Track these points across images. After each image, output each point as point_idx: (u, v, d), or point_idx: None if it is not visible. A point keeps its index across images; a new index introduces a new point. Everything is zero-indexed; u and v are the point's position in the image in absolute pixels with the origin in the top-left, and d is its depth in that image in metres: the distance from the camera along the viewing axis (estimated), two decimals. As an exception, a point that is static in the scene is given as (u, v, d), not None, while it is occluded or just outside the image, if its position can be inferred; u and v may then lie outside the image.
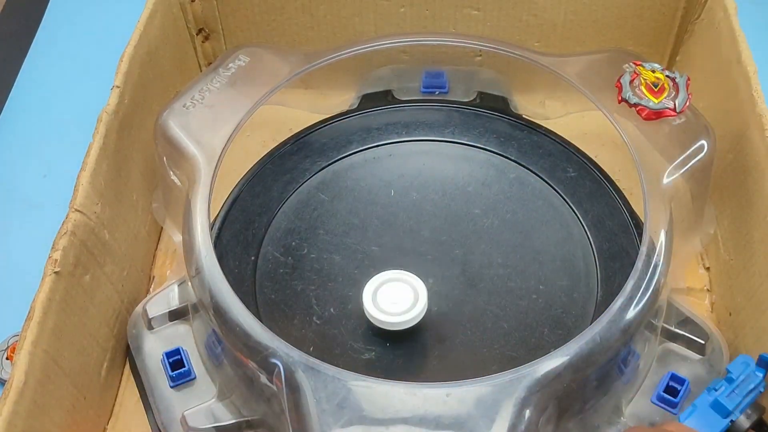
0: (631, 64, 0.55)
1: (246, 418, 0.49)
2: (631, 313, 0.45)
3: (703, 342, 0.51)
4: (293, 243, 0.54)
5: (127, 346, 0.54)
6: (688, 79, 0.53)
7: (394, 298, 0.49)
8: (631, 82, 0.54)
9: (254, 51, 0.58)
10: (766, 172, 0.51)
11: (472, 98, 0.64)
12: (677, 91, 0.53)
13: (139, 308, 0.54)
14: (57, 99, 0.72)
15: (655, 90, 0.53)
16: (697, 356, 0.51)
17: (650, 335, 0.50)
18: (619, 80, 0.54)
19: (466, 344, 0.50)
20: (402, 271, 0.50)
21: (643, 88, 0.53)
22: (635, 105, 0.53)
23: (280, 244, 0.54)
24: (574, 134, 0.61)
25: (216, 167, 0.52)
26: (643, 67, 0.54)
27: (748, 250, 0.53)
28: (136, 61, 0.56)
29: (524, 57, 0.59)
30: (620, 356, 0.47)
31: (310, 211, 0.56)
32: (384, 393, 0.42)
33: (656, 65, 0.55)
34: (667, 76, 0.53)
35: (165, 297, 0.54)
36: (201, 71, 0.69)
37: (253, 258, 0.54)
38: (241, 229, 0.55)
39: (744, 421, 0.46)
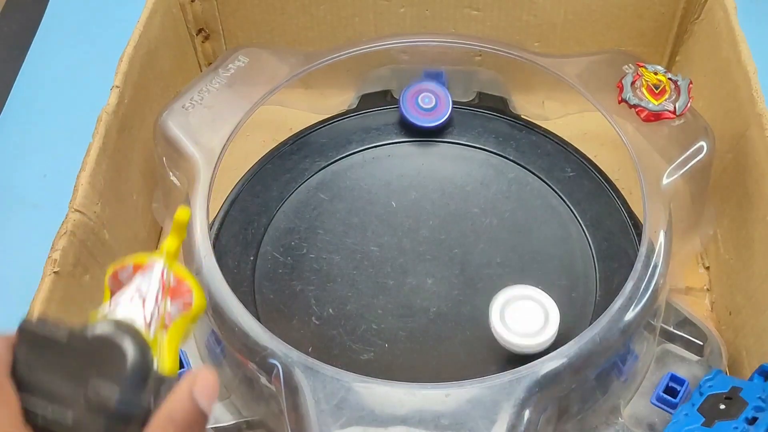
0: (633, 65, 0.55)
1: (246, 419, 0.49)
2: (630, 314, 0.45)
3: (701, 343, 0.51)
4: (292, 243, 0.54)
5: (127, 346, 0.54)
6: (690, 83, 0.53)
7: (523, 317, 0.47)
8: (633, 83, 0.54)
9: (254, 51, 0.58)
10: (766, 172, 0.51)
11: (471, 98, 0.64)
12: (678, 93, 0.53)
13: (138, 308, 0.54)
14: (57, 99, 0.72)
15: (656, 92, 0.53)
16: (696, 357, 0.51)
17: (649, 336, 0.50)
18: (620, 81, 0.54)
19: (465, 344, 0.50)
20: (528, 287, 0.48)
21: (644, 89, 0.53)
22: (635, 106, 0.53)
23: (279, 244, 0.54)
24: (573, 134, 0.60)
25: (215, 167, 0.52)
26: (646, 68, 0.54)
27: (748, 249, 0.53)
28: (136, 61, 0.56)
29: (524, 57, 0.59)
30: (619, 357, 0.47)
31: (310, 211, 0.56)
32: (383, 393, 0.42)
33: (659, 67, 0.55)
34: (669, 78, 0.54)
35: (165, 297, 0.54)
36: (201, 71, 0.69)
37: (252, 258, 0.54)
38: (240, 229, 0.55)
39: None
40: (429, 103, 0.58)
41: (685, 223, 0.53)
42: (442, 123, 0.59)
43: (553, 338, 0.46)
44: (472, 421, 0.41)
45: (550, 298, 0.48)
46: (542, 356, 0.44)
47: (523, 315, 0.47)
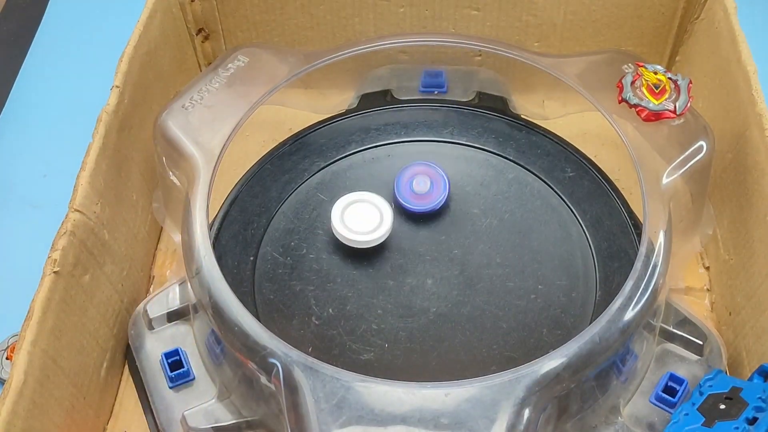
0: (632, 65, 0.55)
1: (246, 419, 0.49)
2: (630, 314, 0.45)
3: (701, 343, 0.51)
4: (292, 243, 0.54)
5: (127, 346, 0.55)
6: (690, 82, 0.53)
7: (361, 218, 0.52)
8: (633, 82, 0.54)
9: (253, 51, 0.58)
10: (766, 171, 0.51)
11: (471, 98, 0.64)
12: (678, 93, 0.53)
13: (139, 308, 0.54)
14: (57, 99, 0.72)
15: (656, 91, 0.53)
16: (695, 357, 0.51)
17: (649, 335, 0.50)
18: (620, 81, 0.54)
19: (464, 344, 0.50)
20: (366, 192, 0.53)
21: (644, 89, 0.53)
22: (635, 106, 0.53)
23: (279, 244, 0.54)
24: (573, 134, 0.61)
25: (215, 167, 0.52)
26: (646, 68, 0.54)
27: (748, 249, 0.53)
28: (136, 61, 0.56)
29: (524, 57, 0.59)
30: (619, 356, 0.47)
31: (309, 211, 0.56)
32: (383, 393, 0.42)
33: (659, 67, 0.55)
34: (669, 78, 0.54)
35: (165, 297, 0.54)
36: (200, 71, 0.69)
37: (252, 258, 0.54)
38: (240, 230, 0.55)
39: None
40: (423, 187, 0.55)
41: (684, 223, 0.53)
42: (435, 207, 0.55)
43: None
44: (471, 421, 0.41)
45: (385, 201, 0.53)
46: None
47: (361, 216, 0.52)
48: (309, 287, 0.52)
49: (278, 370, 0.44)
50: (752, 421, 0.44)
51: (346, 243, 0.52)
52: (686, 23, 0.64)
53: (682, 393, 0.49)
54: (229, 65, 0.57)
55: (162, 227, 0.61)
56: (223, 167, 0.52)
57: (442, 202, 0.55)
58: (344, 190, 0.57)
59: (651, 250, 0.47)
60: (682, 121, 0.53)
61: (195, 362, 0.52)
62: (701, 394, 0.47)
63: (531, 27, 0.65)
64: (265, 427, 0.49)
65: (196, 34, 0.67)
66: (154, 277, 0.59)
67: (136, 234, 0.57)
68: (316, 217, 0.56)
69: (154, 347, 0.53)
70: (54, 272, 0.46)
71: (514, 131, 0.60)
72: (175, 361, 0.52)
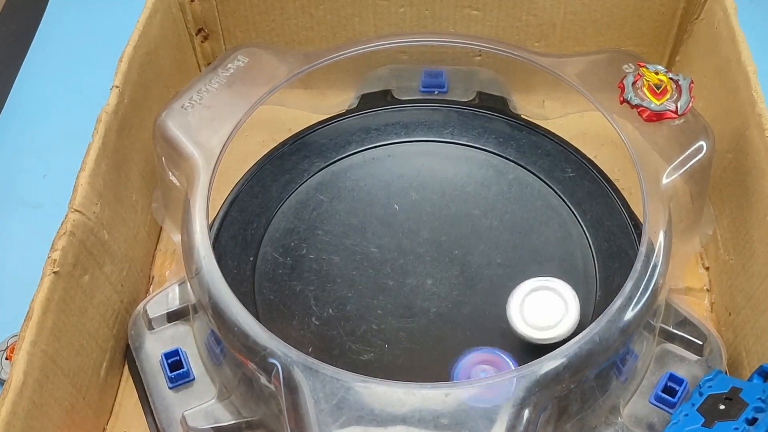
0: (633, 65, 0.55)
1: (246, 419, 0.49)
2: (629, 314, 0.45)
3: (701, 343, 0.51)
4: (292, 243, 0.54)
5: (127, 346, 0.55)
6: (691, 82, 0.53)
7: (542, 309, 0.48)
8: (634, 83, 0.54)
9: (253, 51, 0.58)
10: (766, 171, 0.51)
11: (471, 98, 0.64)
12: (680, 93, 0.53)
13: (139, 308, 0.54)
14: (57, 99, 0.72)
15: (658, 92, 0.53)
16: (695, 357, 0.51)
17: (648, 336, 0.50)
18: (621, 81, 0.54)
19: (465, 344, 0.50)
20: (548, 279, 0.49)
21: (645, 89, 0.53)
22: (637, 106, 0.53)
23: (279, 244, 0.54)
24: (573, 134, 0.61)
25: (215, 168, 0.52)
26: (647, 68, 0.54)
27: (748, 249, 0.53)
28: (136, 61, 0.56)
29: (524, 57, 0.59)
30: (619, 357, 0.47)
31: (309, 211, 0.56)
32: (383, 393, 0.42)
33: (660, 67, 0.55)
34: (670, 78, 0.54)
35: (165, 297, 0.54)
36: (200, 71, 0.69)
37: (251, 258, 0.54)
38: (240, 230, 0.55)
39: None
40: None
41: (684, 223, 0.53)
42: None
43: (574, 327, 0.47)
44: (471, 421, 0.41)
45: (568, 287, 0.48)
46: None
47: (542, 307, 0.48)
48: (309, 287, 0.52)
49: (278, 370, 0.44)
50: (752, 421, 0.44)
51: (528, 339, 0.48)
52: (686, 23, 0.64)
53: (682, 393, 0.49)
54: (229, 65, 0.57)
55: (162, 227, 0.61)
56: (223, 167, 0.52)
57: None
58: (344, 190, 0.57)
59: (651, 250, 0.47)
60: (682, 121, 0.53)
61: (195, 362, 0.52)
62: (701, 394, 0.47)
63: (531, 27, 0.65)
64: (265, 428, 0.49)
65: (196, 34, 0.67)
66: (153, 277, 0.59)
67: (135, 234, 0.57)
68: (316, 217, 0.56)
69: (153, 347, 0.53)
70: (54, 272, 0.46)
71: (515, 131, 0.60)
72: (174, 362, 0.52)
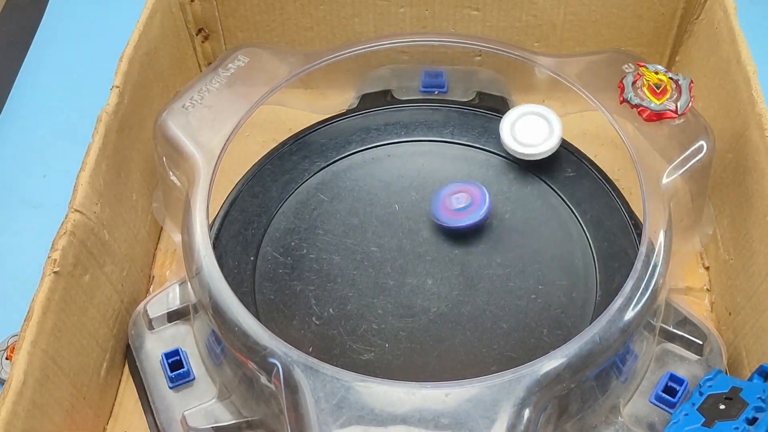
0: (633, 65, 0.55)
1: (246, 419, 0.49)
2: (630, 314, 0.45)
3: (701, 343, 0.51)
4: (292, 243, 0.54)
5: (127, 346, 0.55)
6: (691, 82, 0.53)
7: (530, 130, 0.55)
8: (634, 83, 0.54)
9: (253, 51, 0.58)
10: (766, 171, 0.51)
11: (471, 98, 0.64)
12: (680, 93, 0.53)
13: (139, 308, 0.55)
14: (57, 99, 0.72)
15: (658, 91, 0.53)
16: (695, 357, 0.51)
17: (648, 335, 0.50)
18: (621, 81, 0.54)
19: (465, 344, 0.50)
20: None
21: (645, 89, 0.53)
22: (637, 106, 0.53)
23: (279, 244, 0.54)
24: (573, 134, 0.60)
25: (215, 167, 0.52)
26: (646, 68, 0.54)
27: (748, 249, 0.53)
28: (136, 61, 0.56)
29: (524, 57, 0.59)
30: (619, 356, 0.47)
31: (310, 211, 0.56)
32: (383, 393, 0.42)
33: (660, 67, 0.55)
34: (670, 78, 0.54)
35: (166, 297, 0.54)
36: (200, 71, 0.69)
37: (252, 258, 0.54)
38: (240, 230, 0.55)
39: None
40: (462, 203, 0.54)
41: (684, 223, 0.53)
42: (477, 222, 0.53)
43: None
44: (471, 421, 0.41)
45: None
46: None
47: (530, 128, 0.55)
48: (309, 287, 0.52)
49: (278, 370, 0.44)
50: (752, 421, 0.44)
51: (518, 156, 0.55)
52: (686, 23, 0.64)
53: (682, 393, 0.49)
54: (229, 65, 0.57)
55: (162, 227, 0.61)
56: (223, 167, 0.52)
57: (483, 217, 0.53)
58: (344, 190, 0.57)
59: (651, 250, 0.47)
60: (682, 121, 0.53)
61: (195, 362, 0.52)
62: (701, 394, 0.47)
63: (531, 27, 0.65)
64: (266, 427, 0.49)
65: (196, 34, 0.67)
66: (154, 277, 0.59)
67: (136, 234, 0.57)
68: (317, 216, 0.56)
69: (154, 347, 0.53)
70: (54, 272, 0.46)
71: (515, 131, 0.60)
72: (175, 361, 0.52)
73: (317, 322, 0.51)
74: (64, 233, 0.47)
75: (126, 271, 0.55)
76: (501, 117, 0.61)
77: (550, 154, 0.55)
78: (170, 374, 0.51)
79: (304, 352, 0.44)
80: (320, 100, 0.67)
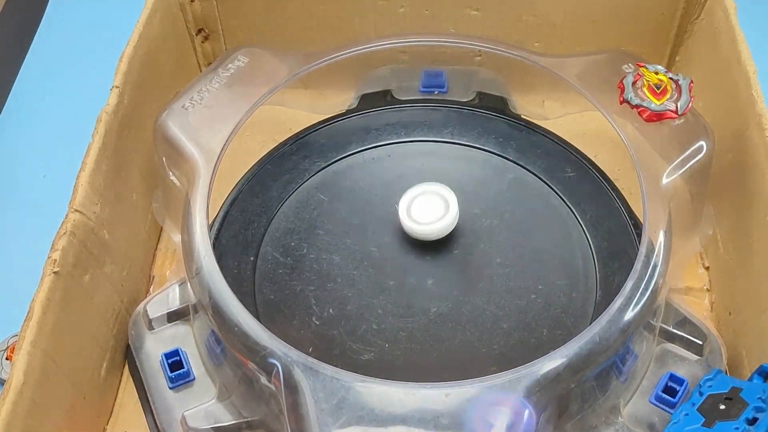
0: (633, 65, 0.55)
1: (246, 419, 0.49)
2: (630, 314, 0.45)
3: (701, 343, 0.51)
4: (292, 243, 0.54)
5: (127, 346, 0.55)
6: (691, 82, 0.53)
7: (426, 209, 0.52)
8: (634, 83, 0.54)
9: (253, 51, 0.58)
10: (766, 171, 0.51)
11: (471, 98, 0.64)
12: (680, 93, 0.53)
13: (139, 308, 0.54)
14: (57, 99, 0.72)
15: (658, 92, 0.53)
16: (695, 357, 0.51)
17: (648, 335, 0.50)
18: (621, 81, 0.54)
19: (465, 344, 0.50)
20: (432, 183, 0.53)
21: (645, 89, 0.53)
22: (637, 106, 0.53)
23: (279, 244, 0.54)
24: (573, 134, 0.60)
25: (215, 168, 0.52)
26: (646, 68, 0.54)
27: (748, 249, 0.53)
28: (136, 61, 0.56)
29: (524, 57, 0.59)
30: (619, 356, 0.47)
31: (310, 211, 0.56)
32: (383, 393, 0.42)
33: (660, 67, 0.55)
34: (670, 78, 0.54)
35: (166, 297, 0.54)
36: (200, 71, 0.69)
37: (252, 258, 0.54)
38: (240, 230, 0.55)
39: None
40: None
41: (684, 223, 0.52)
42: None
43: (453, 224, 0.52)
44: (471, 421, 0.41)
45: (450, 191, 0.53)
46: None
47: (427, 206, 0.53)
48: (309, 287, 0.52)
49: (278, 370, 0.44)
50: (752, 421, 0.44)
51: (414, 236, 0.52)
52: (686, 23, 0.64)
53: (683, 393, 0.49)
54: (229, 65, 0.57)
55: (162, 227, 0.61)
56: (223, 167, 0.52)
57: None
58: (344, 190, 0.57)
59: (651, 250, 0.47)
60: (682, 121, 0.53)
61: (195, 362, 0.52)
62: (701, 394, 0.47)
63: (531, 27, 0.65)
64: (266, 428, 0.49)
65: (196, 34, 0.67)
66: (154, 277, 0.59)
67: (136, 234, 0.57)
68: (317, 217, 0.56)
69: (154, 347, 0.53)
70: (54, 272, 0.46)
71: (514, 131, 0.60)
72: (175, 362, 0.52)
73: (317, 323, 0.51)
74: (64, 233, 0.47)
75: (126, 271, 0.55)
76: (501, 117, 0.61)
77: (446, 233, 0.52)
78: (170, 374, 0.51)
79: (304, 353, 0.44)
80: (320, 100, 0.67)
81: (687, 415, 0.46)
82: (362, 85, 0.65)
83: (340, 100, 0.66)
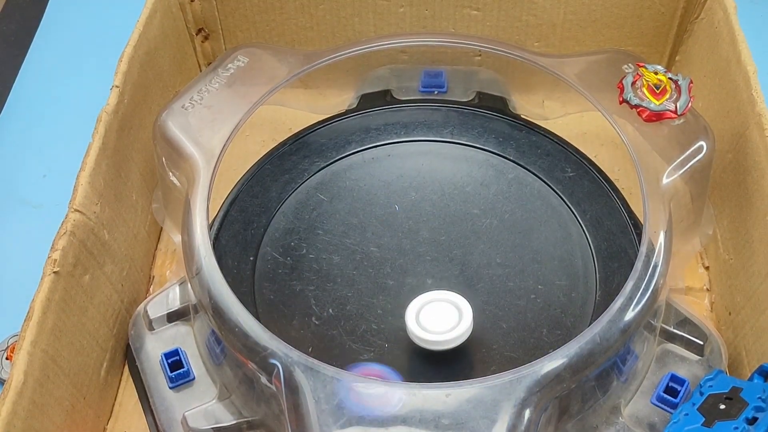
0: (632, 65, 0.55)
1: (246, 419, 0.49)
2: (630, 314, 0.45)
3: (701, 343, 0.51)
4: (292, 243, 0.54)
5: (127, 346, 0.55)
6: (691, 82, 0.53)
7: (438, 317, 0.47)
8: (633, 83, 0.54)
9: (253, 51, 0.58)
10: (766, 171, 0.51)
11: (470, 98, 0.64)
12: (679, 93, 0.53)
13: (140, 308, 0.54)
14: (57, 99, 0.72)
15: (657, 92, 0.53)
16: (696, 357, 0.51)
17: (649, 336, 0.50)
18: (621, 81, 0.54)
19: (465, 344, 0.50)
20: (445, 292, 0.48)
21: (644, 89, 0.53)
22: (636, 106, 0.53)
23: (279, 244, 0.54)
24: (573, 134, 0.61)
25: (215, 168, 0.52)
26: (646, 68, 0.54)
27: (748, 249, 0.53)
28: (136, 61, 0.56)
29: (524, 57, 0.59)
30: (619, 357, 0.47)
31: (309, 211, 0.56)
32: (383, 393, 0.42)
33: (659, 67, 0.55)
34: (669, 78, 0.54)
35: (166, 297, 0.54)
36: (200, 71, 0.69)
37: (252, 258, 0.54)
38: (240, 230, 0.55)
39: None
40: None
41: (684, 223, 0.53)
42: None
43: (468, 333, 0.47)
44: (472, 421, 0.41)
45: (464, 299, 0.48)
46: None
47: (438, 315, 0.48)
48: (309, 287, 0.52)
49: (279, 370, 0.44)
50: (752, 421, 0.44)
51: (423, 345, 0.47)
52: (686, 23, 0.64)
53: (684, 393, 0.49)
54: (229, 65, 0.57)
55: (162, 227, 0.61)
56: (223, 167, 0.52)
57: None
58: (344, 190, 0.57)
59: (651, 250, 0.47)
60: (682, 121, 0.53)
61: (195, 362, 0.52)
62: (701, 394, 0.47)
63: (531, 27, 0.65)
64: (266, 428, 0.49)
65: (196, 34, 0.67)
66: (154, 277, 0.59)
67: (136, 234, 0.57)
68: (316, 217, 0.56)
69: (154, 347, 0.53)
70: (54, 272, 0.46)
71: (514, 131, 0.60)
72: (175, 362, 0.52)
73: (317, 322, 0.51)
74: (64, 233, 0.47)
75: (126, 271, 0.55)
76: (501, 117, 0.61)
77: (459, 342, 0.47)
78: (170, 374, 0.51)
79: (304, 353, 0.44)
80: (320, 100, 0.67)
81: (687, 414, 0.46)
82: (362, 85, 0.65)
83: (339, 100, 0.66)
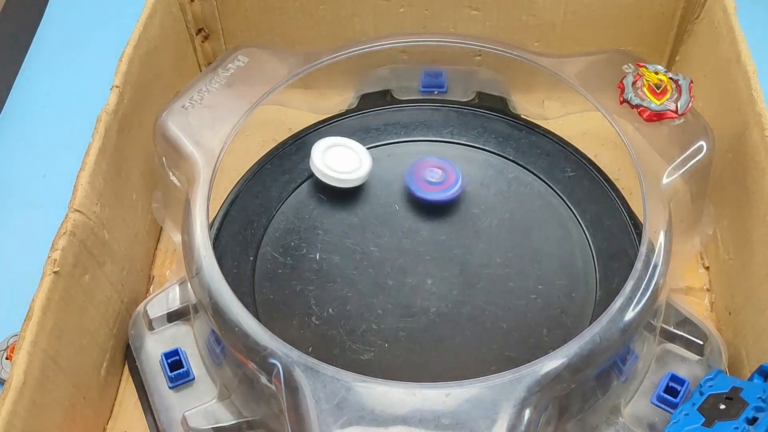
0: (633, 65, 0.55)
1: (246, 419, 0.49)
2: (630, 314, 0.45)
3: (701, 343, 0.51)
4: (292, 243, 0.54)
5: (127, 346, 0.55)
6: (691, 82, 0.53)
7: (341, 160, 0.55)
8: (634, 83, 0.54)
9: (253, 51, 0.58)
10: (766, 171, 0.51)
11: (471, 98, 0.64)
12: (680, 93, 0.53)
13: (140, 308, 0.54)
14: (57, 99, 0.72)
15: (658, 92, 0.53)
16: (696, 357, 0.51)
17: (649, 336, 0.50)
18: (621, 81, 0.54)
19: (465, 344, 0.50)
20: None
21: (645, 89, 0.53)
22: (637, 106, 0.53)
23: (279, 244, 0.54)
24: (573, 134, 0.61)
25: (215, 167, 0.52)
26: (646, 68, 0.54)
27: (748, 249, 0.53)
28: (136, 61, 0.56)
29: (524, 57, 0.59)
30: (619, 356, 0.47)
31: (309, 211, 0.56)
32: (383, 393, 0.42)
33: (659, 67, 0.55)
34: (670, 78, 0.54)
35: (166, 297, 0.54)
36: (200, 71, 0.69)
37: (252, 258, 0.54)
38: (240, 230, 0.55)
39: None
40: (436, 177, 0.56)
41: (684, 223, 0.53)
42: (452, 197, 0.56)
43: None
44: (472, 421, 0.41)
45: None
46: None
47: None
48: (309, 287, 0.52)
49: (278, 370, 0.44)
50: (752, 421, 0.44)
51: (330, 182, 0.55)
52: (686, 23, 0.64)
53: (684, 394, 0.49)
54: (229, 65, 0.57)
55: (162, 227, 0.61)
56: (223, 167, 0.52)
57: (457, 193, 0.55)
58: (344, 190, 0.57)
59: (651, 250, 0.47)
60: (682, 121, 0.53)
61: (195, 362, 0.52)
62: (701, 394, 0.47)
63: (531, 27, 0.65)
64: (266, 428, 0.49)
65: (196, 34, 0.67)
66: (154, 277, 0.59)
67: (136, 234, 0.57)
68: (316, 217, 0.56)
69: (154, 347, 0.53)
70: (54, 272, 0.46)
71: (514, 131, 0.60)
72: (175, 362, 0.52)
73: (317, 322, 0.51)
74: (64, 233, 0.47)
75: (126, 271, 0.55)
76: (501, 117, 0.61)
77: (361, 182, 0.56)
78: (170, 374, 0.51)
79: (304, 352, 0.44)
80: (320, 100, 0.67)
81: (687, 414, 0.46)
82: (362, 85, 0.65)
83: (340, 100, 0.66)
